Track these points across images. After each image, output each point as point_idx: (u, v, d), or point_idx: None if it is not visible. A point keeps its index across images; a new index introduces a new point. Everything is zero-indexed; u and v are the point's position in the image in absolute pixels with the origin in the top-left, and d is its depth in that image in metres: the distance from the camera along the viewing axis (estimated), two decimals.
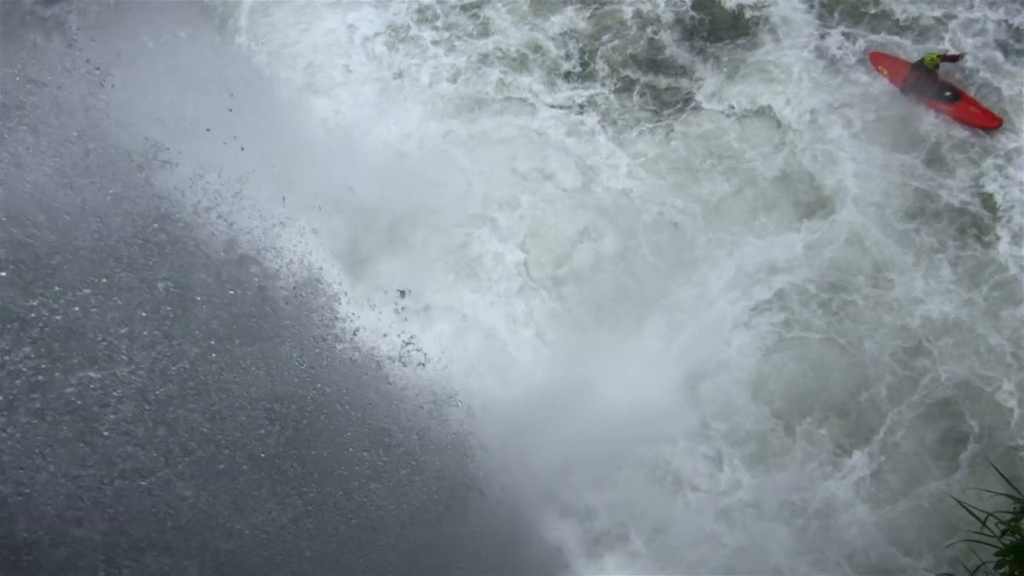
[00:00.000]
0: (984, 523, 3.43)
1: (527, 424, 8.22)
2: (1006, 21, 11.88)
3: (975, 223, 10.22)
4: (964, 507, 3.45)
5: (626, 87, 12.01)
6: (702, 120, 11.57)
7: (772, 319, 9.73)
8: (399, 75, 12.25)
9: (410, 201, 10.58)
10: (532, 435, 8.21)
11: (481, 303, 10.02)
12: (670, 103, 11.80)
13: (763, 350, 9.51)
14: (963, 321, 9.49)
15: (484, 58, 12.38)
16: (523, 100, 11.94)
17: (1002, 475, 3.40)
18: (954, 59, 11.24)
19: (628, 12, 12.74)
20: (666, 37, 12.44)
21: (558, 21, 12.71)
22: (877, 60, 11.71)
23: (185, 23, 9.88)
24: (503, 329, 9.81)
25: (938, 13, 12.13)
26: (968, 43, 11.69)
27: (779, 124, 11.41)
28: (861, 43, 12.08)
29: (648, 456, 8.89)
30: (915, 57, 11.49)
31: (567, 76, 12.18)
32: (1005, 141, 10.78)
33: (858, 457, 8.80)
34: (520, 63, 12.32)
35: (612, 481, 8.75)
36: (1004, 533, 3.38)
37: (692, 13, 12.63)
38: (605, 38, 12.49)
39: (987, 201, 10.35)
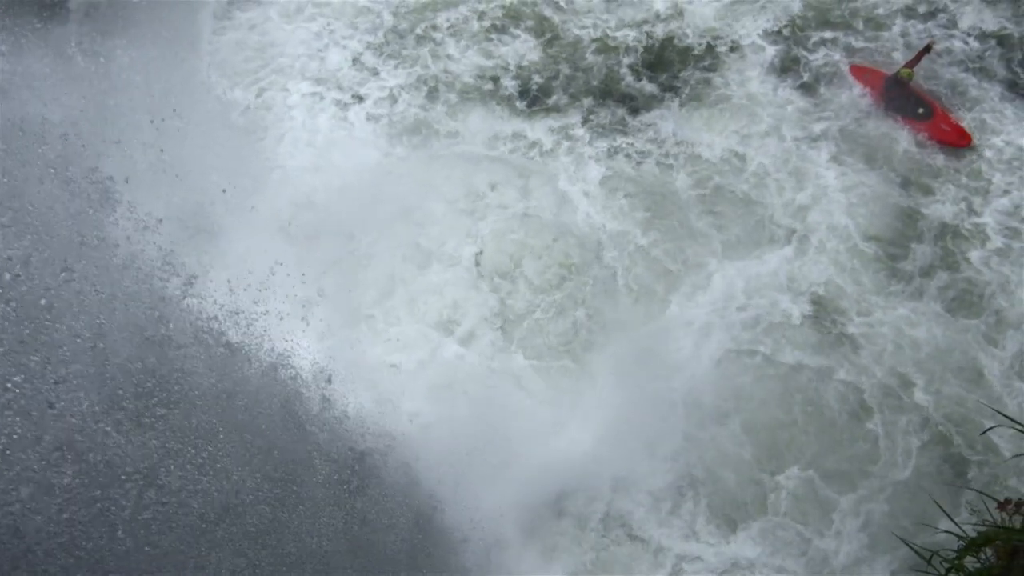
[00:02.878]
0: (929, 561, 3.43)
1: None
2: (970, 40, 12.20)
3: (953, 244, 10.30)
4: (908, 545, 3.44)
5: (589, 114, 12.10)
6: (672, 147, 11.64)
7: (749, 351, 9.65)
8: (352, 100, 12.35)
9: (365, 232, 10.55)
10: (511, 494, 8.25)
11: (449, 351, 9.78)
12: (636, 129, 11.87)
13: (741, 384, 9.38)
14: (951, 347, 9.46)
15: (438, 85, 12.50)
16: (481, 129, 12.02)
17: (945, 513, 3.40)
18: (927, 51, 11.45)
19: (586, 38, 12.91)
20: (629, 64, 12.59)
21: (517, 49, 12.88)
22: (857, 73, 11.97)
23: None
24: (482, 382, 9.51)
25: (896, 31, 12.44)
26: (938, 63, 11.96)
27: (754, 147, 11.50)
28: (832, 60, 12.31)
29: (611, 510, 8.68)
30: (893, 68, 11.73)
31: (526, 104, 12.28)
32: (975, 160, 10.98)
33: (846, 503, 8.56)
34: (476, 91, 12.44)
35: (571, 536, 8.56)
36: (949, 571, 3.37)
37: (650, 42, 12.78)
38: (564, 66, 12.62)
39: (966, 223, 10.44)
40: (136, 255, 5.07)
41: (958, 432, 8.84)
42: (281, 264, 7.00)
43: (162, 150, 8.23)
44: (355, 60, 12.83)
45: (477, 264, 10.50)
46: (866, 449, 8.92)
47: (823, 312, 9.91)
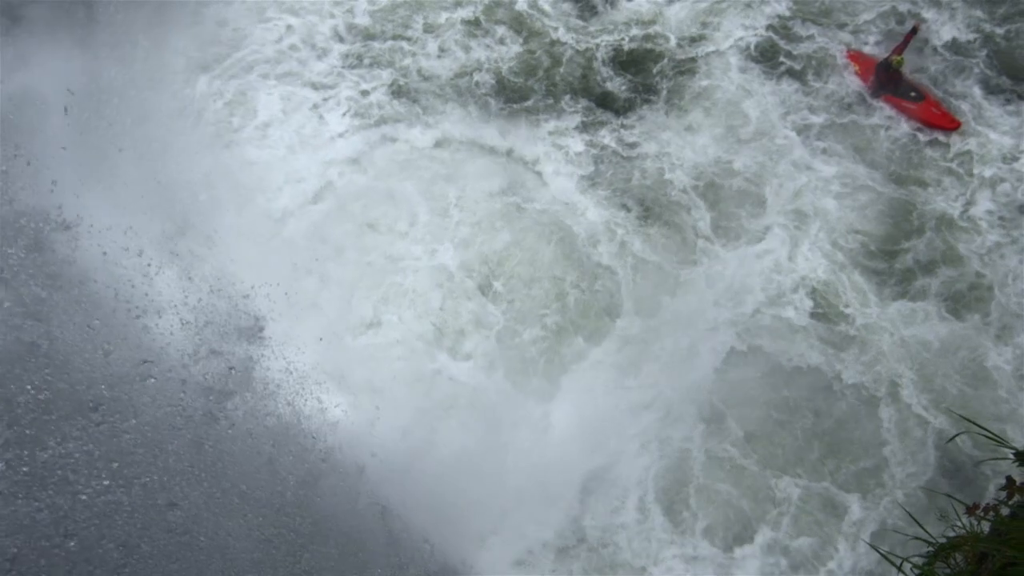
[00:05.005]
0: (900, 568, 3.53)
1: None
2: (951, 40, 12.32)
3: (952, 237, 10.37)
4: (878, 552, 3.56)
5: (572, 114, 12.07)
6: (661, 143, 11.62)
7: (748, 351, 9.68)
8: (325, 99, 12.28)
9: (341, 238, 10.54)
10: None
11: (442, 367, 9.74)
12: (624, 128, 11.86)
13: (741, 387, 9.41)
14: (955, 344, 9.50)
15: (413, 84, 12.47)
16: (459, 129, 11.96)
17: (913, 519, 3.51)
18: (913, 34, 11.65)
19: (566, 40, 12.83)
20: (613, 64, 12.56)
21: (494, 50, 12.83)
22: (853, 58, 12.26)
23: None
24: (473, 391, 9.52)
25: (880, 22, 12.58)
26: (923, 55, 12.13)
27: (745, 141, 11.54)
28: (823, 48, 12.39)
29: (606, 522, 8.67)
30: (883, 55, 11.91)
31: (503, 103, 12.25)
32: (967, 155, 11.10)
33: (853, 512, 8.52)
34: (454, 90, 12.40)
35: (561, 553, 8.57)
36: None
37: (633, 42, 12.74)
38: (543, 67, 12.56)
39: (963, 216, 10.54)
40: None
41: (964, 434, 8.67)
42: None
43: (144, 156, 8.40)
44: (328, 58, 12.77)
45: (461, 270, 10.48)
46: (870, 454, 8.93)
47: (822, 310, 9.96)
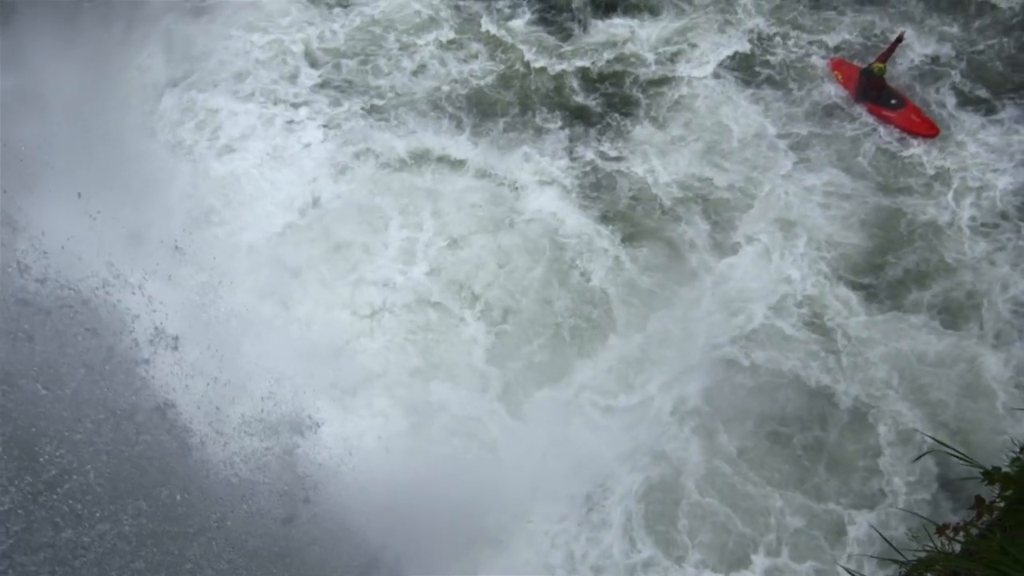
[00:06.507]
0: None
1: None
2: (934, 47, 12.53)
3: (941, 247, 10.46)
4: (849, 572, 3.65)
5: (552, 130, 12.16)
6: (645, 158, 11.70)
7: (739, 364, 9.72)
8: (299, 118, 12.33)
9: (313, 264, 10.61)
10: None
11: (431, 396, 9.71)
12: (605, 143, 11.93)
13: (733, 401, 9.42)
14: (951, 356, 9.55)
15: (388, 102, 12.53)
16: (435, 145, 12.02)
17: (887, 541, 3.61)
18: (898, 42, 11.90)
19: (542, 58, 12.92)
20: (592, 82, 12.65)
21: (469, 68, 12.92)
22: (835, 66, 12.50)
23: None
24: (467, 420, 9.53)
25: (859, 32, 12.83)
26: (907, 69, 12.37)
27: (729, 153, 11.66)
28: (804, 58, 12.60)
29: (597, 547, 8.64)
30: (867, 62, 12.16)
31: (479, 121, 12.29)
32: (946, 154, 11.31)
33: (854, 532, 8.45)
34: (429, 106, 12.47)
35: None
36: None
37: (611, 63, 12.82)
38: (518, 85, 12.63)
39: (950, 225, 10.65)
40: None
41: (962, 445, 8.53)
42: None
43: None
44: (300, 75, 12.82)
45: (444, 292, 10.52)
46: (867, 470, 8.93)
47: (815, 322, 10.02)
